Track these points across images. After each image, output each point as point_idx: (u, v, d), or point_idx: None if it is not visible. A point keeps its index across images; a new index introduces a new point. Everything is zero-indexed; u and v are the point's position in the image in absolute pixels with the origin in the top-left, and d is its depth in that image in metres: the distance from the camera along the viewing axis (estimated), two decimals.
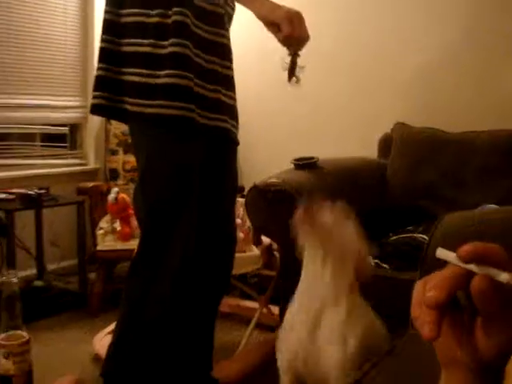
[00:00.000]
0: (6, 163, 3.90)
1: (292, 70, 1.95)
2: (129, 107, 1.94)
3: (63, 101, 4.22)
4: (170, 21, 1.88)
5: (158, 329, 2.03)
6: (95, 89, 2.00)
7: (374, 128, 3.60)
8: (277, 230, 2.78)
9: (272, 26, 1.93)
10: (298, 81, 1.96)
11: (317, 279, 1.80)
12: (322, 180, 2.92)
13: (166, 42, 1.88)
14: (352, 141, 3.77)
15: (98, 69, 2.00)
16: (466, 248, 0.58)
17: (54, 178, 4.05)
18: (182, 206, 1.98)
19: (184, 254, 1.98)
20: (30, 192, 3.52)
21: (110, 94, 1.98)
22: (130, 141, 4.06)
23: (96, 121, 4.31)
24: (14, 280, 1.24)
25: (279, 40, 1.93)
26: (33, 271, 3.82)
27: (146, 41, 1.90)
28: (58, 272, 4.04)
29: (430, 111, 3.58)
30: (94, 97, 2.00)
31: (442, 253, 0.62)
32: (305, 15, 1.92)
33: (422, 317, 0.58)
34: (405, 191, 3.20)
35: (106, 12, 1.99)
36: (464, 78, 3.50)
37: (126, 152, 4.13)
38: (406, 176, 3.24)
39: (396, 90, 3.74)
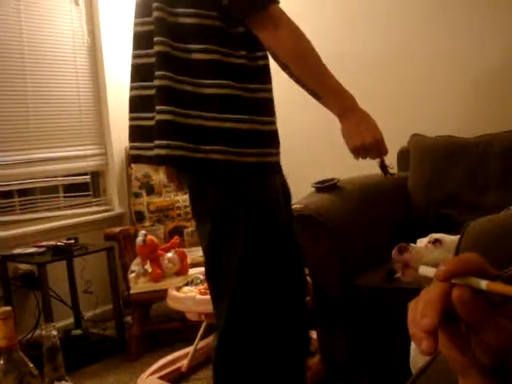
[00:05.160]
0: (33, 217, 3.96)
1: (384, 170, 2.05)
2: (220, 157, 1.81)
3: (82, 150, 4.28)
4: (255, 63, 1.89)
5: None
6: (163, 137, 1.80)
7: (391, 142, 3.60)
8: (304, 255, 2.79)
9: None
10: (393, 175, 2.10)
11: None
12: (344, 201, 2.93)
13: (252, 86, 1.87)
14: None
15: (161, 112, 1.81)
16: (442, 268, 0.59)
17: (81, 227, 4.11)
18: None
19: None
20: (59, 243, 3.57)
21: (181, 141, 1.80)
22: (152, 183, 4.13)
23: (117, 166, 4.37)
24: (54, 332, 1.26)
25: None
26: (70, 320, 3.85)
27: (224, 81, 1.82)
28: (95, 319, 4.07)
29: (443, 119, 3.59)
30: (163, 146, 1.80)
31: (424, 270, 0.63)
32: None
33: (418, 334, 0.60)
34: (428, 201, 3.19)
35: (160, 43, 1.83)
36: (470, 85, 3.52)
37: (148, 194, 4.17)
38: (427, 186, 3.23)
39: (407, 102, 3.75)
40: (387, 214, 3.05)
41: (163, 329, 3.73)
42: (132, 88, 1.96)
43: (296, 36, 1.82)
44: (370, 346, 2.73)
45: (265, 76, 1.92)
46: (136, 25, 1.95)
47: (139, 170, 4.18)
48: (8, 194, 3.89)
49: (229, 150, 1.81)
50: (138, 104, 1.93)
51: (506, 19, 3.38)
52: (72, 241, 3.63)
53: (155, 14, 1.82)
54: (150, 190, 4.18)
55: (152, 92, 1.85)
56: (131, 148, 1.98)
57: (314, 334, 3.04)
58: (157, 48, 1.82)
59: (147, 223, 4.13)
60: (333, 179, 3.03)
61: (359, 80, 3.89)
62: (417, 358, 1.84)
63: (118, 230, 3.78)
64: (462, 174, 3.14)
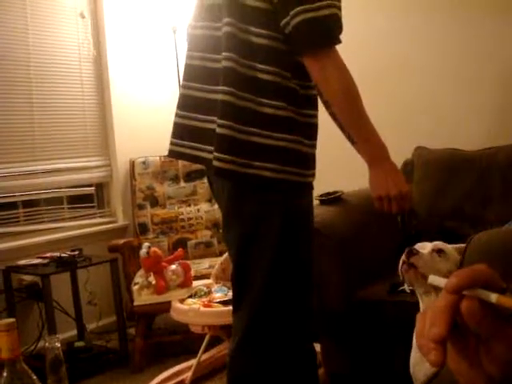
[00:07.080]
0: (37, 228, 3.97)
1: (403, 221, 2.13)
2: (269, 174, 1.85)
3: (87, 162, 4.30)
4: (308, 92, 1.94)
5: None
6: (220, 150, 1.84)
7: (395, 155, 3.60)
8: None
9: None
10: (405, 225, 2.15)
11: None
12: (348, 213, 2.93)
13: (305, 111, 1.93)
14: None
15: (221, 126, 1.84)
16: (453, 280, 0.59)
17: (85, 239, 4.11)
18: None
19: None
20: (63, 255, 3.58)
21: (235, 156, 1.84)
22: (155, 195, 4.13)
23: (121, 178, 4.38)
24: (57, 344, 1.27)
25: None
26: (73, 332, 3.85)
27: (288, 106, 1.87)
28: (98, 330, 4.07)
29: (447, 132, 3.59)
30: (219, 159, 1.84)
31: (434, 280, 0.63)
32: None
33: (427, 345, 0.59)
34: (431, 214, 3.19)
35: (228, 59, 1.84)
36: (474, 98, 3.52)
37: (152, 206, 4.18)
38: (431, 199, 3.23)
39: (411, 114, 3.76)
40: (391, 227, 3.04)
41: (167, 341, 3.72)
42: (185, 87, 1.98)
43: (344, 78, 1.88)
44: (373, 357, 2.73)
45: (315, 104, 1.99)
46: (197, 27, 1.97)
47: (143, 181, 4.19)
48: (12, 205, 3.90)
49: (279, 169, 1.86)
50: (191, 104, 1.96)
51: (509, 35, 3.39)
52: (76, 252, 3.64)
53: (225, 28, 1.84)
54: (154, 202, 4.19)
55: (202, 95, 1.91)
56: (176, 144, 2.00)
57: (317, 347, 3.04)
58: (224, 63, 1.84)
59: (151, 235, 4.13)
60: (337, 192, 3.03)
61: (363, 91, 3.90)
62: (417, 369, 1.85)
63: (121, 241, 3.78)
64: (465, 187, 3.14)
